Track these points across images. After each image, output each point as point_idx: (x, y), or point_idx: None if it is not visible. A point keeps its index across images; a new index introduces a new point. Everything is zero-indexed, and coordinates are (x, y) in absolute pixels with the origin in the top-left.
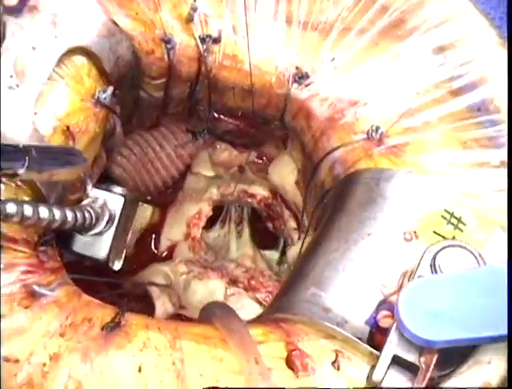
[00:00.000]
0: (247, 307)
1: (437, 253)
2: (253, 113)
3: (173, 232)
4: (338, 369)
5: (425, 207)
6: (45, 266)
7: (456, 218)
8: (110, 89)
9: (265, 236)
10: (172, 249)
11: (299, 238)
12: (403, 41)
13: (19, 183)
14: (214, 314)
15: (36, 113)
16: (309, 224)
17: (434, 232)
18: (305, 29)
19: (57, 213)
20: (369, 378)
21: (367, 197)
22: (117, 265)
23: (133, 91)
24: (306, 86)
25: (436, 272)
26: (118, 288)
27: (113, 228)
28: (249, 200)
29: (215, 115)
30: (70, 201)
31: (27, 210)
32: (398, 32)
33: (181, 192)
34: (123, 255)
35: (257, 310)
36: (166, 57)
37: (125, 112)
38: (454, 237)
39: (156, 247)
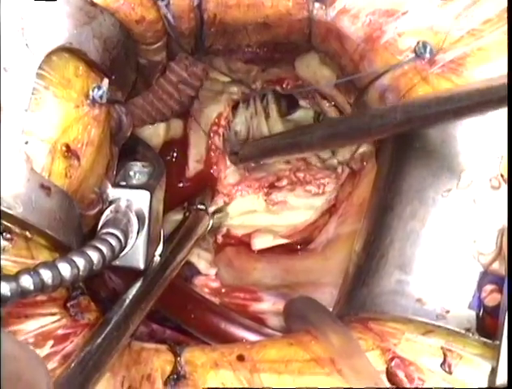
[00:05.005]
0: (298, 208)
1: None
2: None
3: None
4: (450, 372)
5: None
6: (81, 322)
7: None
8: (105, 83)
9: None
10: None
11: None
12: None
13: (29, 235)
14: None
15: (26, 143)
16: None
17: None
18: None
19: (81, 262)
20: (491, 383)
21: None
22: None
23: (131, 63)
24: (331, 3)
25: None
26: None
27: (144, 231)
28: (276, 87)
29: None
30: (89, 218)
31: (45, 274)
32: None
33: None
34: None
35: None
36: (161, 17)
37: (126, 83)
38: None
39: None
